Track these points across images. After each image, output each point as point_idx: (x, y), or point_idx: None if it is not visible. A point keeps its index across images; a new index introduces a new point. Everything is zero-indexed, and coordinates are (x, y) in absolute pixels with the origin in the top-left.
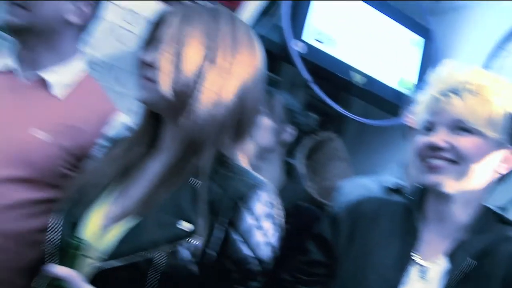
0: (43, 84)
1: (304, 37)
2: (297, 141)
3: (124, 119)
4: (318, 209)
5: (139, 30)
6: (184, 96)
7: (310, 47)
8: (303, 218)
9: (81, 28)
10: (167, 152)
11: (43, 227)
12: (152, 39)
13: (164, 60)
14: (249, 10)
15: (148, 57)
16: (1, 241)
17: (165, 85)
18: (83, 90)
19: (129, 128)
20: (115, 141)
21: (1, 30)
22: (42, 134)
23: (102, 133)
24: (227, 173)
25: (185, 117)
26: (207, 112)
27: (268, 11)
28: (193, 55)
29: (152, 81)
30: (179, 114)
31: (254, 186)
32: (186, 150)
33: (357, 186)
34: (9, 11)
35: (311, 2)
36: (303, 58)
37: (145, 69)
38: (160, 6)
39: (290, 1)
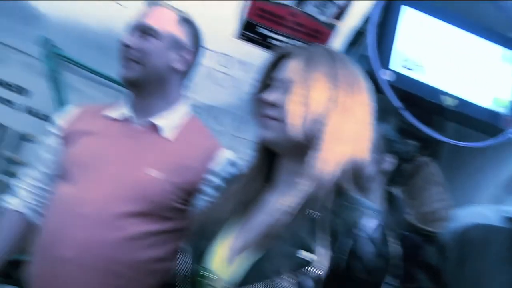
0: (155, 128)
1: (392, 65)
2: (396, 168)
3: (228, 154)
4: (418, 236)
5: (234, 72)
6: (310, 136)
7: (398, 74)
8: (405, 246)
9: (185, 74)
10: (286, 187)
11: (160, 256)
12: (269, 79)
13: (293, 102)
14: (337, 43)
15: (270, 97)
16: (123, 269)
17: (295, 125)
18: (189, 130)
19: (233, 163)
20: (231, 178)
21: (116, 83)
22: (156, 172)
23: (208, 168)
24: (344, 203)
25: (310, 155)
26: (331, 150)
27: (355, 42)
28: (319, 97)
29: (277, 120)
30: (303, 153)
31: (370, 215)
32: (308, 185)
33: (472, 214)
34: (124, 66)
35: (396, 30)
36: (392, 86)
37: (267, 108)
38: (250, 49)
39: (375, 30)
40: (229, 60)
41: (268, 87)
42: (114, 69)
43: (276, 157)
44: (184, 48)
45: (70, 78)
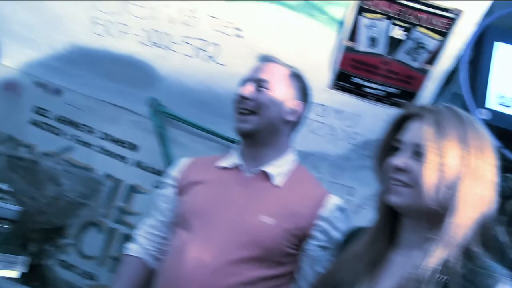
0: (265, 176)
1: (487, 103)
2: (499, 207)
3: (336, 200)
4: None
5: (329, 120)
6: (442, 201)
7: (494, 112)
8: None
9: (294, 126)
10: (411, 248)
11: None
12: (394, 141)
13: (427, 170)
14: (430, 87)
15: (398, 162)
16: None
17: (430, 193)
18: (297, 177)
19: (341, 209)
20: (350, 235)
21: (217, 136)
22: (268, 219)
23: (318, 214)
24: (474, 268)
25: (442, 220)
26: (464, 214)
27: (448, 81)
28: (453, 163)
29: (406, 185)
30: (430, 215)
31: (501, 280)
32: (439, 250)
33: None
34: (239, 118)
35: (491, 67)
36: (489, 124)
37: (395, 173)
38: (345, 98)
39: (468, 69)
40: (325, 110)
41: (393, 149)
42: (214, 124)
43: (399, 216)
44: (295, 101)
45: (175, 133)
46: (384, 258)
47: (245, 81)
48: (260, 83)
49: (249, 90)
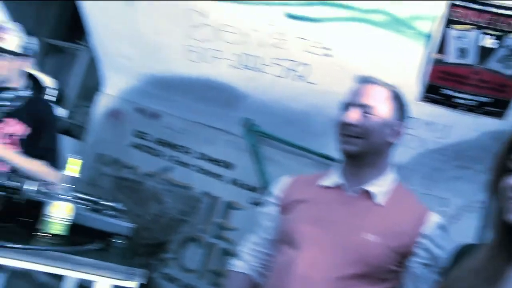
0: (367, 195)
1: None
2: None
3: (437, 218)
4: None
5: (420, 132)
6: None
7: None
8: None
9: (395, 145)
10: None
11: None
12: (509, 161)
13: None
14: None
15: None
16: None
17: None
18: (398, 196)
19: (442, 226)
20: (461, 252)
21: (310, 152)
22: (372, 237)
23: (420, 232)
24: None
25: None
26: None
27: None
28: None
29: None
30: None
31: None
32: None
33: None
34: (345, 141)
35: None
36: None
37: None
38: (435, 109)
39: None
40: (415, 122)
41: (508, 169)
42: (305, 140)
43: None
44: (397, 122)
45: (268, 151)
46: (502, 275)
47: (347, 106)
48: (365, 109)
49: (354, 116)
